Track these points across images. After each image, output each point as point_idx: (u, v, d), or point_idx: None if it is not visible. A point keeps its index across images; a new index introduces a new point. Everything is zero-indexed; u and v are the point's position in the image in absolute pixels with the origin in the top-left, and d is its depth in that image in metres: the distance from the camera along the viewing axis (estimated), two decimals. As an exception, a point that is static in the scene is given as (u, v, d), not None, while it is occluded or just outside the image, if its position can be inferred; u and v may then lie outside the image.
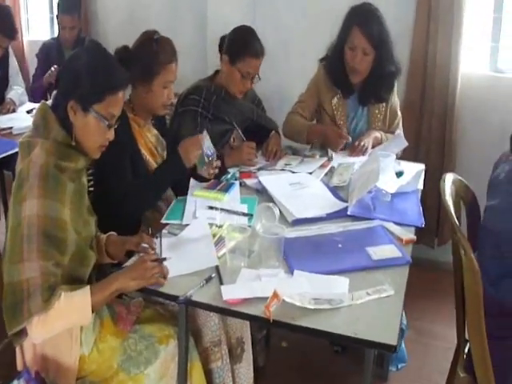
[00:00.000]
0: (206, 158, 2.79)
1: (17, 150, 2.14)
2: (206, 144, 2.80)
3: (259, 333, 3.14)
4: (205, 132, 2.84)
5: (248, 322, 2.68)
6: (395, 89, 3.56)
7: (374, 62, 3.31)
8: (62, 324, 2.01)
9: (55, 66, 4.63)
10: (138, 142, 2.83)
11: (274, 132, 3.51)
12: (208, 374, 2.45)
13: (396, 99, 3.61)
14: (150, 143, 2.90)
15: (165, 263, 2.16)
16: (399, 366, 3.26)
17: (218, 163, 2.88)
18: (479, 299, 2.03)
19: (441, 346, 3.45)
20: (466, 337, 2.36)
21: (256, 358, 2.95)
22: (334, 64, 3.41)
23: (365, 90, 3.46)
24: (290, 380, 3.22)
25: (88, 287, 2.02)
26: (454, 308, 2.48)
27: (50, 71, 4.69)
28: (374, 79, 3.38)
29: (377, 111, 3.53)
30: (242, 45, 3.26)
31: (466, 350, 2.42)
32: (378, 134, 3.49)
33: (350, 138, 3.36)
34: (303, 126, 3.46)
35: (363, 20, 3.24)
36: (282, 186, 2.92)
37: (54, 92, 2.26)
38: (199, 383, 2.38)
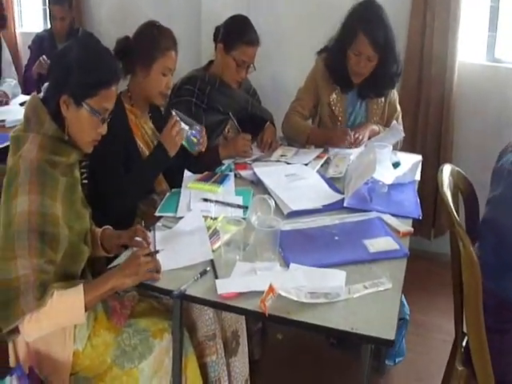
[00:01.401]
0: (193, 138, 2.78)
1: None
2: (184, 121, 2.78)
3: (255, 325, 3.13)
4: (173, 111, 2.81)
5: (243, 316, 2.65)
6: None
7: (377, 63, 3.24)
8: (55, 323, 1.99)
9: (44, 57, 4.57)
10: (135, 134, 2.82)
11: (268, 123, 3.47)
12: (203, 368, 2.42)
13: (395, 94, 3.56)
14: (146, 135, 2.89)
15: (159, 257, 2.12)
16: (397, 361, 3.21)
17: (205, 138, 2.87)
18: (478, 292, 2.00)
19: (438, 338, 3.43)
20: (464, 330, 2.34)
21: (252, 351, 2.95)
22: (336, 65, 3.34)
23: (365, 87, 3.40)
24: (286, 373, 3.20)
25: (81, 286, 1.98)
26: (452, 300, 2.45)
27: (38, 61, 4.63)
28: (376, 78, 3.32)
29: (375, 106, 3.49)
30: (237, 33, 3.24)
31: (464, 343, 2.40)
32: (375, 127, 3.45)
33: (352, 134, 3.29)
34: (304, 129, 3.43)
35: (370, 27, 3.14)
36: (277, 178, 2.89)
37: (46, 84, 2.23)
38: (194, 377, 2.35)
